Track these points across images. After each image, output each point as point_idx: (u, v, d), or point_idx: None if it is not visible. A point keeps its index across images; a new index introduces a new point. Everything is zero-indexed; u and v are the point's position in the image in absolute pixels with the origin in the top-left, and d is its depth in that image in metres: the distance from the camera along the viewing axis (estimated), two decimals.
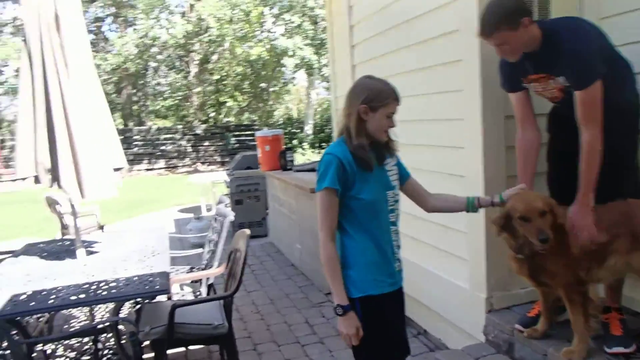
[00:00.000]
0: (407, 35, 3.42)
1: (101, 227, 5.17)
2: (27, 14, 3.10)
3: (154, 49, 20.90)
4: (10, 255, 3.69)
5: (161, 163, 20.20)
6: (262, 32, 21.12)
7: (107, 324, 3.24)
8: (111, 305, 3.47)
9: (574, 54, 2.10)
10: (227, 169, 8.50)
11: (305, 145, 18.68)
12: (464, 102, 2.84)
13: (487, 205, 2.15)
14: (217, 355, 3.47)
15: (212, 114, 24.05)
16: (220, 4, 18.94)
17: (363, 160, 1.88)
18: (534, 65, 2.28)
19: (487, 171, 2.72)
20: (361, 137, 1.89)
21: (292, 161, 6.50)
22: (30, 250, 3.75)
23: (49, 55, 3.08)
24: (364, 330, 1.87)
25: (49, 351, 3.50)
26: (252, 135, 18.49)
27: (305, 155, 16.52)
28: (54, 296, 2.62)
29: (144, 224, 8.37)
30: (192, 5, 20.47)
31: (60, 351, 3.57)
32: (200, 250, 4.25)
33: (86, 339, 3.62)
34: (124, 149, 3.61)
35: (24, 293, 2.67)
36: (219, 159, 20.64)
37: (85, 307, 3.59)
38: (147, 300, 3.07)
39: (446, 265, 3.21)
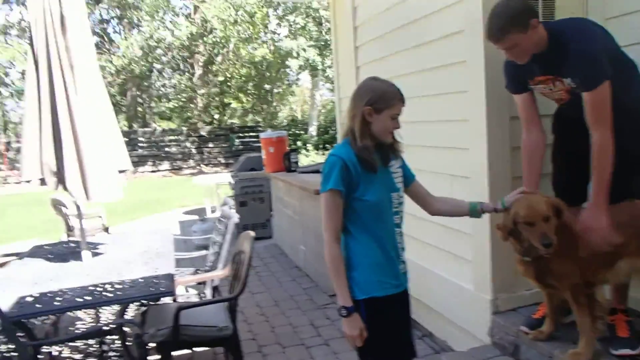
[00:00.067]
0: (411, 36, 3.42)
1: (106, 229, 5.20)
2: (33, 16, 3.12)
3: (159, 51, 20.98)
4: (17, 257, 3.72)
5: (166, 165, 20.26)
6: (266, 33, 21.16)
7: (113, 326, 3.25)
8: (116, 307, 3.49)
9: (581, 55, 2.09)
10: (232, 171, 8.50)
11: (310, 146, 18.66)
12: (469, 103, 2.83)
13: (490, 212, 2.16)
14: (222, 357, 3.48)
15: (217, 116, 24.12)
16: (225, 6, 18.99)
17: (367, 162, 1.87)
18: (541, 66, 2.26)
19: (492, 172, 2.70)
20: (365, 139, 1.88)
21: (296, 163, 6.50)
22: (37, 252, 3.77)
23: (55, 58, 3.09)
24: (368, 333, 1.87)
25: (55, 353, 3.52)
26: (257, 136, 18.41)
27: (310, 157, 16.50)
28: (59, 298, 2.63)
29: (149, 226, 8.38)
30: (196, 7, 20.53)
31: (66, 353, 3.58)
32: (204, 252, 4.26)
33: (92, 341, 3.63)
34: (128, 150, 3.62)
35: (30, 295, 2.69)
36: (223, 161, 20.68)
37: (90, 309, 3.60)
38: (152, 302, 3.09)
39: (451, 267, 3.20)
